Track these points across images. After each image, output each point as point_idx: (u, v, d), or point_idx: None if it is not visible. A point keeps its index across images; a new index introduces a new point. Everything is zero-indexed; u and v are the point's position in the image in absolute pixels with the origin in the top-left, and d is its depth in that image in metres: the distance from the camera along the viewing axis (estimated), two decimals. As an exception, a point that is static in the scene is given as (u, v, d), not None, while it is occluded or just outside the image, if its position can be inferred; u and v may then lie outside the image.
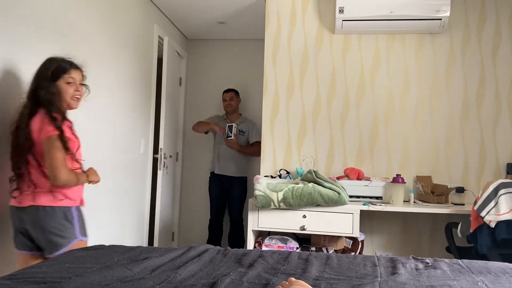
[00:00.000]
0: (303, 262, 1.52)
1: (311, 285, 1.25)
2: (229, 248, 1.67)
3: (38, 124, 1.88)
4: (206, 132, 4.62)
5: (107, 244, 3.06)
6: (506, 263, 1.57)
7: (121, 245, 1.65)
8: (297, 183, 3.17)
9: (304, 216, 3.11)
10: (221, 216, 4.60)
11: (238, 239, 4.45)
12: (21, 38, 2.17)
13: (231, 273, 1.33)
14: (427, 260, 1.57)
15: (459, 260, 1.59)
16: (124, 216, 3.52)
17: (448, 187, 3.36)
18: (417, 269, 1.47)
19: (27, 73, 2.20)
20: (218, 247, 1.66)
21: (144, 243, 3.97)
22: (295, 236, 3.37)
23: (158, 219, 4.12)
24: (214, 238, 4.58)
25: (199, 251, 1.58)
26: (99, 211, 3.06)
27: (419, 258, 1.62)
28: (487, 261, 1.60)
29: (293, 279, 1.06)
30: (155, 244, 4.10)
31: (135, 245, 3.72)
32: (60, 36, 2.53)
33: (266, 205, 3.07)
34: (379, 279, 1.33)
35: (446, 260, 1.59)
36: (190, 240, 4.92)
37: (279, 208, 3.10)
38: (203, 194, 4.87)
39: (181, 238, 4.98)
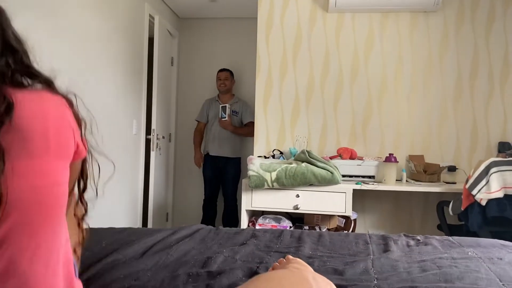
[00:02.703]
0: (296, 240, 1.54)
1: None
2: (221, 227, 1.67)
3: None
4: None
5: (101, 226, 3.08)
6: (495, 239, 1.60)
7: (109, 228, 1.65)
8: (290, 163, 3.18)
9: (298, 196, 3.13)
10: (215, 196, 4.62)
11: (232, 219, 4.48)
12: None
13: (224, 250, 1.34)
14: (418, 237, 1.59)
15: (449, 237, 1.61)
16: (117, 198, 3.52)
17: (440, 166, 3.39)
18: (408, 246, 1.49)
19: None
20: (210, 227, 1.67)
21: (138, 224, 3.98)
22: (288, 216, 3.40)
23: (151, 200, 4.13)
24: (208, 218, 4.61)
25: (190, 230, 1.58)
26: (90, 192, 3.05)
27: (410, 235, 1.64)
28: (477, 238, 1.63)
29: (290, 256, 1.07)
30: (149, 225, 4.12)
31: (130, 226, 3.74)
32: (50, 15, 2.48)
33: (259, 185, 3.08)
34: (371, 256, 1.34)
35: (437, 237, 1.61)
36: (184, 221, 4.94)
37: (272, 188, 3.11)
38: (196, 175, 4.88)
39: (175, 218, 4.99)
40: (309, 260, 1.27)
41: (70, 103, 0.83)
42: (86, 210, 0.94)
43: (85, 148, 0.85)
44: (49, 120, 0.73)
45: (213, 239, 1.50)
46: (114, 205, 3.48)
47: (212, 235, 1.56)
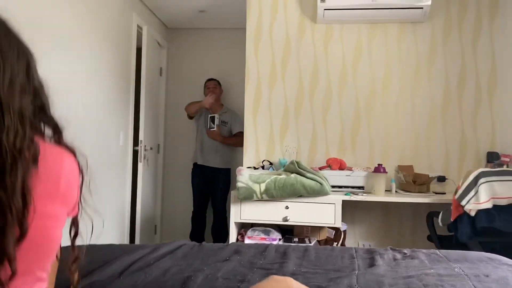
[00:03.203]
0: (281, 255, 1.50)
1: None
2: (204, 243, 1.63)
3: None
4: (191, 118, 4.55)
5: (87, 240, 3.01)
6: (482, 253, 1.58)
7: (90, 245, 1.60)
8: (279, 174, 3.15)
9: (287, 207, 3.10)
10: (204, 208, 4.56)
11: (222, 231, 4.42)
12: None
13: (205, 268, 1.30)
14: (405, 251, 1.57)
15: (436, 250, 1.58)
16: (104, 211, 3.46)
17: (430, 176, 3.38)
18: (395, 260, 1.47)
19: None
20: (193, 242, 1.63)
21: (126, 238, 3.91)
22: (278, 228, 3.36)
23: (139, 212, 4.07)
24: (197, 230, 4.55)
25: (172, 247, 1.54)
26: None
27: (397, 249, 1.62)
28: (465, 251, 1.60)
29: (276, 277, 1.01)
30: (137, 238, 4.05)
31: (117, 240, 3.67)
32: (34, 28, 2.44)
33: (248, 196, 3.04)
34: (356, 271, 1.31)
35: (424, 250, 1.58)
36: (173, 233, 4.88)
37: (261, 200, 3.08)
38: (185, 186, 4.82)
39: (164, 231, 4.93)
40: (293, 277, 1.23)
41: (77, 159, 0.91)
42: (77, 257, 0.98)
43: (79, 205, 0.94)
44: (63, 173, 0.84)
45: (196, 256, 1.47)
46: (100, 218, 3.41)
47: (195, 252, 1.52)
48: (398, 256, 1.50)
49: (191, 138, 4.71)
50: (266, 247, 1.61)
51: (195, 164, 4.52)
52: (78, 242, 0.97)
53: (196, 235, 4.55)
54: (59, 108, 2.66)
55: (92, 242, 2.93)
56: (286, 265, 1.37)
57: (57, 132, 0.89)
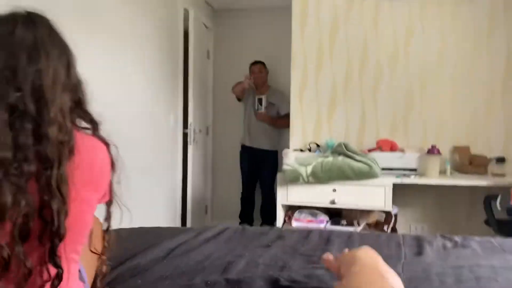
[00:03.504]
0: (324, 241, 1.47)
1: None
2: (247, 226, 1.64)
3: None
4: (239, 100, 4.56)
5: (139, 223, 3.12)
6: (543, 242, 1.47)
7: (138, 228, 1.65)
8: (326, 157, 3.10)
9: (334, 190, 3.05)
10: (252, 190, 4.60)
11: (270, 212, 4.43)
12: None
13: (246, 254, 1.30)
14: (456, 239, 1.49)
15: (491, 238, 1.49)
16: (155, 192, 3.56)
17: (488, 157, 3.20)
18: (444, 248, 1.40)
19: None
20: (236, 226, 1.63)
21: (177, 219, 4.02)
22: (325, 210, 3.32)
23: (190, 193, 4.16)
24: (246, 211, 4.60)
25: (215, 231, 1.56)
26: (126, 187, 3.10)
27: (448, 236, 1.54)
28: (523, 240, 1.50)
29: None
30: (188, 218, 4.15)
31: (169, 220, 3.79)
32: (81, 14, 2.51)
33: (294, 179, 3.03)
34: (402, 260, 1.26)
35: (477, 238, 1.50)
36: (223, 213, 4.96)
37: (308, 182, 3.04)
38: (235, 167, 4.85)
39: (215, 211, 5.02)
40: (335, 265, 1.21)
41: (110, 151, 0.97)
42: (108, 245, 1.04)
43: (110, 192, 0.99)
44: (96, 162, 0.91)
45: (238, 240, 1.47)
46: (153, 199, 3.52)
47: (238, 236, 1.52)
48: (448, 244, 1.43)
49: (240, 120, 4.72)
50: (309, 232, 1.58)
51: (243, 146, 4.54)
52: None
53: (246, 215, 4.61)
54: (109, 93, 2.72)
55: (144, 223, 3.03)
56: (329, 251, 1.34)
57: (93, 125, 0.95)
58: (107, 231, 1.02)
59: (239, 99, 4.54)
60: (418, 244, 1.43)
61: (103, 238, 1.02)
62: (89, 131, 0.95)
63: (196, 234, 1.51)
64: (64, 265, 0.82)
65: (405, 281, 1.09)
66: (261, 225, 4.56)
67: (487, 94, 3.34)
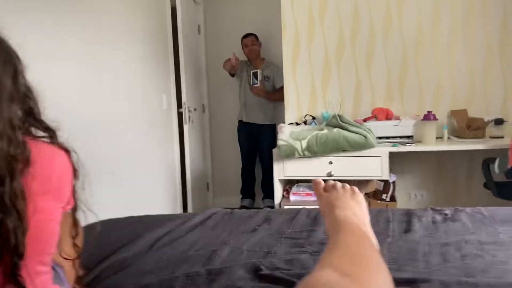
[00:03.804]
0: (311, 222, 1.45)
1: (315, 251, 1.19)
2: (236, 210, 1.62)
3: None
4: (232, 75, 4.50)
5: (137, 205, 3.13)
6: (536, 209, 1.44)
7: (128, 217, 1.64)
8: (321, 129, 3.06)
9: (331, 163, 3.03)
10: (252, 164, 4.59)
11: (271, 185, 4.43)
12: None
13: (231, 240, 1.29)
14: (447, 211, 1.47)
15: (482, 208, 1.47)
16: (153, 173, 3.56)
17: (485, 120, 3.15)
18: (434, 223, 1.38)
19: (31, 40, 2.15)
20: (225, 210, 1.62)
21: (178, 198, 4.04)
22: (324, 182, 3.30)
23: (189, 172, 4.15)
24: (247, 185, 4.61)
25: (203, 216, 1.54)
26: (124, 171, 3.09)
27: (438, 209, 1.52)
28: (514, 208, 1.48)
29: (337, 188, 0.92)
30: (189, 196, 4.16)
31: (169, 201, 3.80)
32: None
33: (290, 154, 3.00)
34: (389, 239, 1.25)
35: (468, 209, 1.47)
36: (225, 189, 4.97)
37: (304, 157, 3.02)
38: (234, 143, 4.82)
39: (216, 187, 5.03)
40: (320, 247, 1.19)
41: (71, 157, 0.93)
42: (78, 253, 1.00)
43: (74, 199, 0.95)
44: (54, 170, 0.87)
45: (226, 225, 1.46)
46: (151, 182, 3.52)
47: (226, 220, 1.51)
48: (438, 218, 1.41)
49: (236, 96, 4.66)
50: (297, 212, 1.56)
51: (240, 122, 4.51)
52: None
53: (247, 190, 4.62)
54: (103, 78, 2.66)
55: (144, 206, 3.03)
56: (315, 233, 1.32)
57: (50, 133, 0.92)
58: (75, 236, 0.98)
59: (232, 75, 4.48)
60: (407, 220, 1.41)
61: (73, 244, 0.99)
62: (46, 139, 0.92)
63: (183, 221, 1.50)
64: (28, 281, 0.79)
65: (390, 262, 1.08)
66: (263, 199, 4.58)
67: (484, 56, 3.26)
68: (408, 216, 1.45)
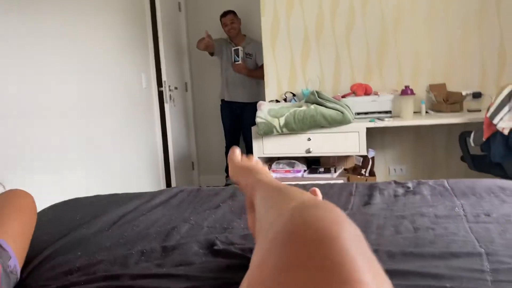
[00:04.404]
0: (275, 197, 1.46)
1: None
2: (203, 187, 1.63)
3: None
4: (212, 54, 4.44)
5: (119, 186, 3.13)
6: (496, 180, 1.46)
7: (95, 196, 1.65)
8: (300, 106, 3.06)
9: (309, 139, 3.04)
10: (236, 143, 4.58)
11: (255, 163, 4.46)
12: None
13: (193, 217, 1.30)
14: (409, 184, 1.48)
15: (444, 181, 1.48)
16: (134, 154, 3.55)
17: (463, 93, 3.16)
18: (395, 196, 1.39)
19: (7, 28, 2.11)
20: (191, 188, 1.62)
21: (162, 178, 4.04)
22: (304, 159, 3.32)
23: (171, 152, 4.14)
24: (231, 164, 4.61)
25: (169, 194, 1.54)
26: (105, 152, 3.08)
27: (401, 182, 1.53)
28: (475, 180, 1.49)
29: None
30: (173, 176, 4.16)
31: (152, 181, 3.80)
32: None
33: (268, 131, 3.00)
34: (347, 211, 1.26)
35: (431, 182, 1.49)
36: (210, 168, 4.98)
37: (282, 134, 3.02)
38: (218, 121, 4.80)
39: (201, 166, 5.04)
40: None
41: None
42: None
43: None
44: None
45: (190, 203, 1.46)
46: (132, 162, 3.52)
47: (191, 198, 1.51)
48: (400, 191, 1.42)
49: (219, 74, 4.62)
50: (263, 189, 1.57)
51: (223, 101, 4.48)
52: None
53: (231, 169, 4.62)
54: (78, 57, 2.66)
55: (127, 186, 3.03)
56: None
57: None
58: None
59: (211, 54, 4.42)
60: (369, 193, 1.42)
61: None
62: None
63: (148, 199, 1.50)
64: None
65: (344, 235, 1.09)
66: (247, 177, 4.59)
67: (462, 30, 3.25)
68: (371, 189, 1.46)
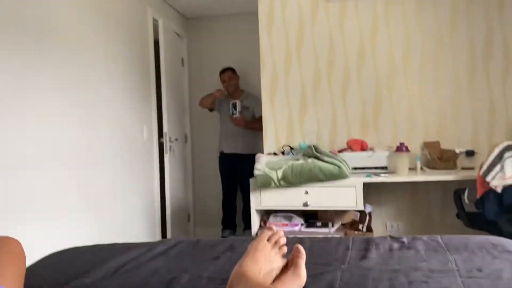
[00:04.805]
0: (272, 250, 1.49)
1: None
2: (201, 239, 1.65)
3: None
4: (211, 110, 4.59)
5: (115, 235, 3.13)
6: (488, 237, 1.50)
7: (94, 245, 1.67)
8: (297, 160, 3.12)
9: (306, 193, 3.07)
10: (233, 195, 4.61)
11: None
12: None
13: (193, 268, 1.32)
14: (404, 239, 1.51)
15: (438, 237, 1.52)
16: (132, 204, 3.57)
17: (457, 151, 3.24)
18: (390, 250, 1.42)
19: (10, 80, 2.20)
20: (190, 240, 1.65)
21: (157, 229, 4.03)
22: (301, 212, 3.34)
23: (168, 202, 4.16)
24: (228, 216, 4.62)
25: (168, 245, 1.57)
26: (102, 201, 3.10)
27: (397, 237, 1.56)
28: (469, 236, 1.53)
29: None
30: (169, 228, 4.16)
31: (148, 232, 3.79)
32: (44, 32, 2.51)
33: (266, 184, 3.04)
34: (344, 265, 1.29)
35: (425, 237, 1.52)
36: (206, 220, 4.97)
37: (280, 187, 3.06)
38: (216, 173, 4.85)
39: (197, 219, 5.03)
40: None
41: None
42: None
43: None
44: None
45: (189, 254, 1.48)
46: (131, 211, 3.53)
47: (190, 250, 1.54)
48: (395, 246, 1.45)
49: (217, 127, 4.73)
50: (261, 241, 1.59)
51: (221, 152, 4.56)
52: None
53: (228, 221, 4.62)
54: (82, 106, 2.75)
55: (124, 236, 3.04)
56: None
57: None
58: None
59: (210, 110, 4.58)
60: (366, 248, 1.45)
61: None
62: None
63: (148, 249, 1.53)
64: None
65: (341, 287, 1.12)
66: (244, 230, 4.58)
67: (453, 88, 3.38)
68: (367, 244, 1.49)
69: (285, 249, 1.09)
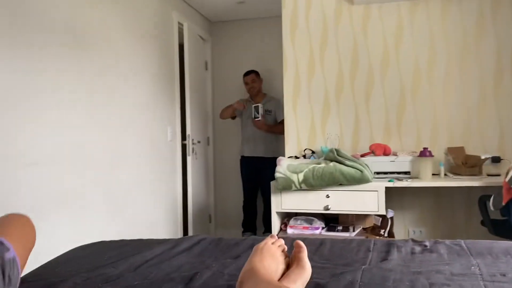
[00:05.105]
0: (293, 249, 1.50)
1: None
2: (223, 237, 1.68)
3: None
4: (234, 117, 4.65)
5: (138, 234, 3.19)
6: (513, 243, 1.48)
7: (121, 240, 1.71)
8: (319, 163, 3.12)
9: (328, 196, 3.07)
10: (254, 198, 4.63)
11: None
12: (28, 41, 2.24)
13: (214, 265, 1.34)
14: (426, 243, 1.50)
15: (461, 241, 1.51)
16: (155, 204, 3.63)
17: (482, 157, 3.19)
18: (412, 253, 1.42)
19: (42, 81, 2.28)
20: (212, 238, 1.67)
21: (179, 228, 4.08)
22: (322, 216, 3.34)
23: (190, 203, 4.21)
24: (249, 219, 4.64)
25: (191, 242, 1.60)
26: (126, 201, 3.17)
27: (419, 241, 1.55)
28: (493, 241, 1.51)
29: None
30: (190, 228, 4.21)
31: (170, 232, 3.85)
32: (74, 35, 2.59)
33: (287, 186, 3.06)
34: (365, 266, 1.29)
35: (448, 241, 1.51)
36: (227, 222, 5.01)
37: (301, 190, 3.07)
38: (237, 176, 4.89)
39: (218, 220, 5.07)
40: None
41: None
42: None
43: None
44: None
45: (211, 252, 1.51)
46: (154, 211, 3.59)
47: (212, 247, 1.56)
48: (417, 249, 1.45)
49: (240, 131, 4.77)
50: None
51: (242, 156, 4.59)
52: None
53: (248, 223, 4.65)
54: (109, 107, 2.83)
55: (147, 235, 3.09)
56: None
57: None
58: None
59: (232, 118, 4.64)
60: (387, 250, 1.45)
61: None
62: None
63: (172, 246, 1.56)
64: None
65: (361, 287, 1.12)
66: (264, 232, 4.59)
67: (479, 94, 3.34)
68: (389, 246, 1.49)
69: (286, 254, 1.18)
